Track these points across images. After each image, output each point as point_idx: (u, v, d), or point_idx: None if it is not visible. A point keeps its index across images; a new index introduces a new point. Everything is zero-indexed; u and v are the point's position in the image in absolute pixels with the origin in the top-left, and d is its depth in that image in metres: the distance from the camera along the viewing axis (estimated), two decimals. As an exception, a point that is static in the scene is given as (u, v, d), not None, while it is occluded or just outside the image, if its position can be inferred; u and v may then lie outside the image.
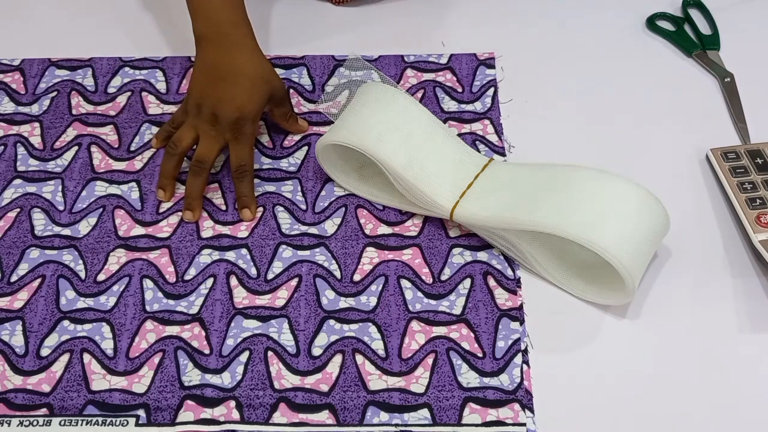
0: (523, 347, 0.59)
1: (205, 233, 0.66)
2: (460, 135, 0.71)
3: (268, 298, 0.62)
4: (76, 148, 0.71)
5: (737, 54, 0.78)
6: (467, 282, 0.63)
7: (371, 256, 0.64)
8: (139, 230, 0.66)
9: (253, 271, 0.64)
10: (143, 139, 0.72)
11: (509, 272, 0.63)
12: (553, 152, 0.70)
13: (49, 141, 0.72)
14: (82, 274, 0.64)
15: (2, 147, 0.72)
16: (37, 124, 0.73)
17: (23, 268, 0.64)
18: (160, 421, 0.57)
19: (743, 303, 0.62)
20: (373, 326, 0.61)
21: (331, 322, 0.61)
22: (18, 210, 0.67)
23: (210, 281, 0.63)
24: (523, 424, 0.56)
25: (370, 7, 0.82)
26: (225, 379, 0.58)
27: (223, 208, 0.67)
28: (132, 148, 0.71)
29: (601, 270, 0.60)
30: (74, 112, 0.74)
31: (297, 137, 0.72)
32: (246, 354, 0.59)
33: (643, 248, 0.59)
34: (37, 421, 0.57)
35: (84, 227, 0.66)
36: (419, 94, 0.75)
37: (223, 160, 0.70)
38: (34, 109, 0.74)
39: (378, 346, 0.60)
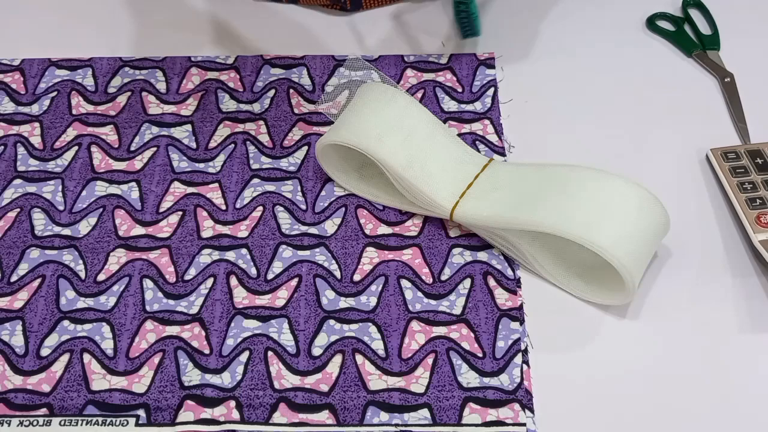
0: (523, 347, 0.59)
1: (205, 233, 0.66)
2: (460, 135, 0.71)
3: (268, 298, 0.62)
4: (76, 148, 0.71)
5: (737, 54, 0.78)
6: (467, 282, 0.63)
7: (371, 256, 0.64)
8: (139, 230, 0.66)
9: (253, 271, 0.64)
10: (143, 139, 0.72)
11: (509, 272, 0.63)
12: (553, 152, 0.70)
13: (49, 141, 0.72)
14: (82, 274, 0.64)
15: (2, 147, 0.72)
16: (37, 124, 0.73)
17: (23, 268, 0.64)
18: (160, 421, 0.57)
19: (743, 303, 0.62)
20: (373, 326, 0.61)
21: (331, 322, 0.61)
22: (18, 210, 0.67)
23: (210, 281, 0.63)
24: (523, 424, 0.56)
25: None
26: (225, 379, 0.58)
27: (223, 208, 0.67)
28: (132, 148, 0.71)
29: (601, 270, 0.60)
30: (74, 112, 0.74)
31: (297, 137, 0.72)
32: (246, 354, 0.59)
33: (643, 248, 0.59)
34: (37, 421, 0.57)
35: (84, 227, 0.66)
36: (419, 94, 0.75)
37: (223, 160, 0.70)
38: (34, 109, 0.74)
39: (378, 346, 0.60)
